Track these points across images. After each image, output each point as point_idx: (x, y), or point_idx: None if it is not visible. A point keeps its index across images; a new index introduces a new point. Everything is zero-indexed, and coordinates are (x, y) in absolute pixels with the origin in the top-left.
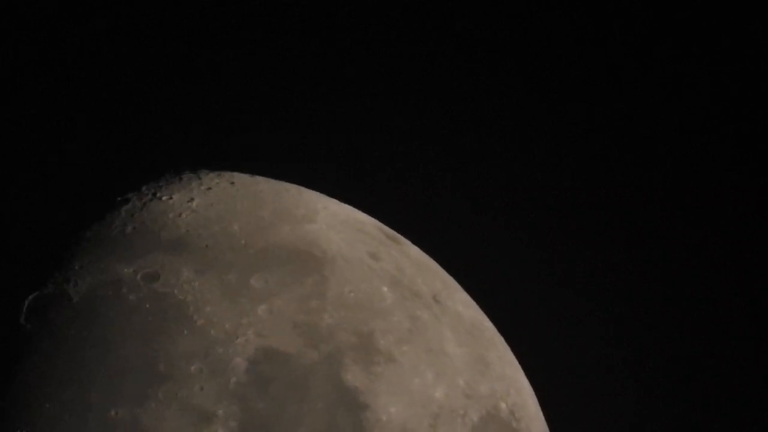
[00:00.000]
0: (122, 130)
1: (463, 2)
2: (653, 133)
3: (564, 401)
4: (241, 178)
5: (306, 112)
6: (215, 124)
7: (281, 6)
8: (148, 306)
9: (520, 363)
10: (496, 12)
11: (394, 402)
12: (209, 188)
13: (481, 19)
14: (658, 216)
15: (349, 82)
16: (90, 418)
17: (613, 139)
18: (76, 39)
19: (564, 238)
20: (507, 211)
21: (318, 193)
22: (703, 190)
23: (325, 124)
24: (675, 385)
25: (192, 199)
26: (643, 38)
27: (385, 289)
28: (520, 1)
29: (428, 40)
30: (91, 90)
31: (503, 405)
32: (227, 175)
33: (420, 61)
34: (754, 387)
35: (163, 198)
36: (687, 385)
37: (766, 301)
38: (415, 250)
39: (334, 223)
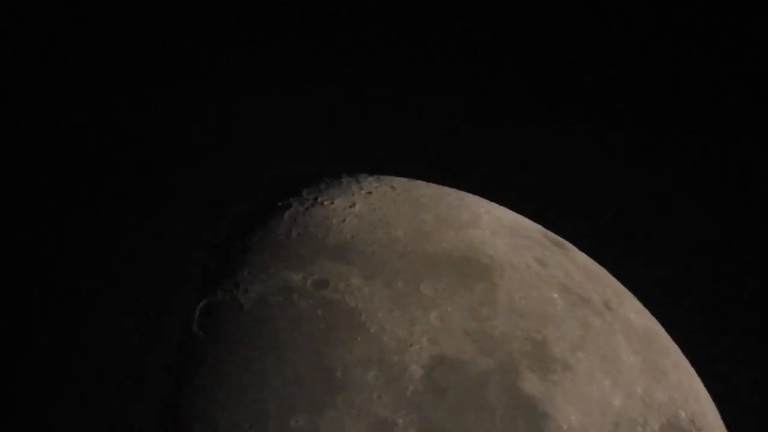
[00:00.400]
0: (278, 135)
1: None
2: None
3: (744, 411)
4: (401, 183)
5: (458, 117)
6: (368, 127)
7: None
8: (319, 313)
9: (696, 371)
10: None
11: (574, 410)
12: (369, 192)
13: None
14: None
15: (504, 86)
16: (270, 427)
17: None
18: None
19: (739, 244)
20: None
21: (479, 198)
22: None
23: (480, 128)
24: None
25: (354, 204)
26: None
27: (555, 295)
28: None
29: None
30: (251, 95)
31: (683, 413)
32: (386, 179)
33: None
34: None
35: (325, 203)
36: None
37: None
38: (582, 257)
39: (498, 229)
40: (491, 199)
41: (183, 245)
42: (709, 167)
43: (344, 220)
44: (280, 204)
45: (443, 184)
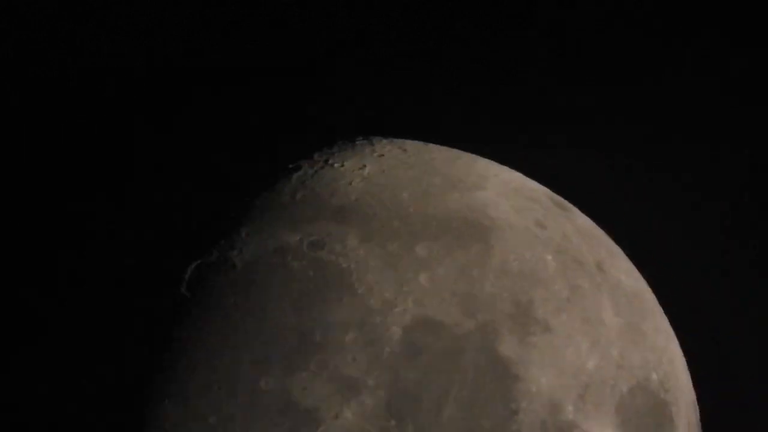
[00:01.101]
0: (295, 97)
1: None
2: None
3: (718, 372)
4: (414, 146)
5: (480, 81)
6: (386, 90)
7: None
8: (310, 274)
9: (676, 333)
10: None
11: (545, 373)
12: (381, 155)
13: None
14: None
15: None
16: (239, 387)
17: None
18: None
19: (738, 213)
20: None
21: (490, 161)
22: None
23: (499, 94)
24: None
25: (364, 167)
26: None
27: (549, 257)
28: None
29: None
30: (264, 60)
31: (654, 375)
32: (399, 142)
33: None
34: None
35: (335, 165)
36: None
37: None
38: (582, 218)
39: (504, 191)
40: (505, 163)
41: (187, 207)
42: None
43: (351, 183)
44: (290, 166)
45: (459, 148)
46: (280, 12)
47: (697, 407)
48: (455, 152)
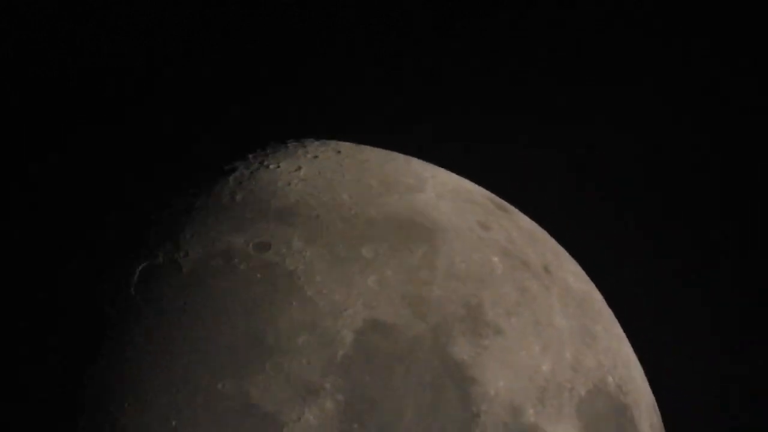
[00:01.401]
0: (226, 98)
1: None
2: None
3: (672, 375)
4: (347, 147)
5: (407, 81)
6: (316, 92)
7: None
8: (258, 276)
9: (628, 336)
10: None
11: (502, 376)
12: (315, 156)
13: None
14: None
15: (449, 50)
16: (198, 390)
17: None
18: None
19: (675, 210)
20: (624, 181)
21: (425, 162)
22: None
23: (427, 93)
24: None
25: (299, 168)
26: None
27: (495, 259)
28: None
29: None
30: (192, 60)
31: (610, 378)
32: (332, 143)
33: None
34: None
35: (271, 166)
36: None
37: None
38: (525, 220)
39: (443, 193)
40: (438, 163)
41: (127, 208)
42: (647, 126)
43: (289, 184)
44: (225, 168)
45: (390, 149)
46: (209, 13)
47: (658, 411)
48: (389, 153)
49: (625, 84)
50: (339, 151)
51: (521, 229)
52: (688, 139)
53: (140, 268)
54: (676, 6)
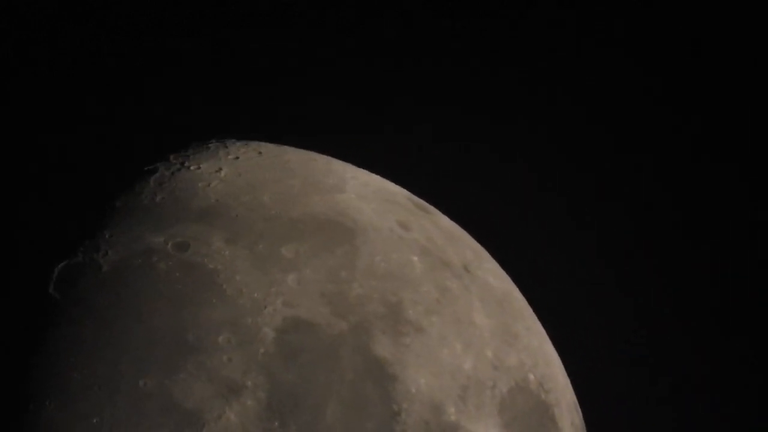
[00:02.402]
0: (147, 99)
1: None
2: None
3: (593, 373)
4: (268, 148)
5: (331, 83)
6: (239, 93)
7: None
8: (177, 275)
9: (549, 334)
10: None
11: (423, 373)
12: (237, 157)
13: None
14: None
15: (369, 50)
16: (119, 388)
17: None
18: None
19: (600, 212)
20: (542, 182)
21: (346, 163)
22: None
23: (348, 94)
24: (706, 355)
25: (220, 169)
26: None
27: (415, 258)
28: None
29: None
30: (116, 60)
31: (531, 377)
32: (254, 144)
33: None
34: None
35: (191, 167)
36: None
37: None
38: (445, 220)
39: (364, 193)
40: (359, 164)
41: (47, 208)
42: (564, 126)
43: (210, 185)
44: (146, 169)
45: (310, 150)
46: (129, 9)
47: (579, 409)
48: (310, 154)
49: (543, 84)
50: (260, 152)
51: (441, 229)
52: (602, 138)
53: (60, 267)
54: None
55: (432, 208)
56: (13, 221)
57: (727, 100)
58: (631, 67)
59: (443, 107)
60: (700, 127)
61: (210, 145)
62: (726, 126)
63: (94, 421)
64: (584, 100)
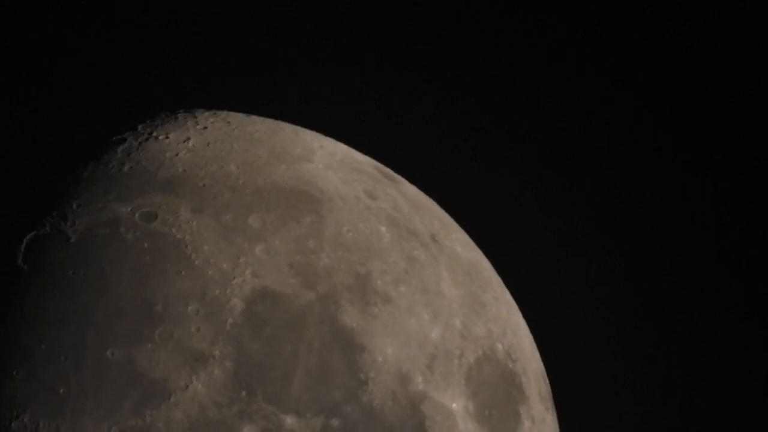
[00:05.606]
0: (116, 69)
1: None
2: None
3: (561, 342)
4: (237, 118)
5: (299, 51)
6: (208, 63)
7: None
8: (145, 245)
9: (517, 303)
10: None
11: (390, 343)
12: (205, 127)
13: None
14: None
15: (340, 20)
16: (86, 358)
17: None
18: None
19: (564, 177)
20: (507, 150)
21: (314, 133)
22: None
23: (318, 63)
24: (670, 327)
25: (188, 139)
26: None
27: (382, 228)
28: None
29: None
30: (85, 29)
31: (499, 346)
32: (222, 114)
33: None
34: None
35: (160, 137)
36: (674, 330)
37: None
38: (412, 189)
39: (331, 163)
40: (326, 133)
41: (15, 180)
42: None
43: (177, 155)
44: (114, 138)
45: (279, 120)
46: None
47: (547, 378)
48: (278, 124)
49: (508, 57)
50: (229, 122)
51: (408, 198)
52: (567, 109)
53: (27, 238)
54: None
55: (399, 177)
56: None
57: (726, 100)
58: (617, 63)
59: (410, 75)
60: (682, 125)
61: (178, 115)
62: (725, 125)
63: (61, 391)
64: (553, 75)
